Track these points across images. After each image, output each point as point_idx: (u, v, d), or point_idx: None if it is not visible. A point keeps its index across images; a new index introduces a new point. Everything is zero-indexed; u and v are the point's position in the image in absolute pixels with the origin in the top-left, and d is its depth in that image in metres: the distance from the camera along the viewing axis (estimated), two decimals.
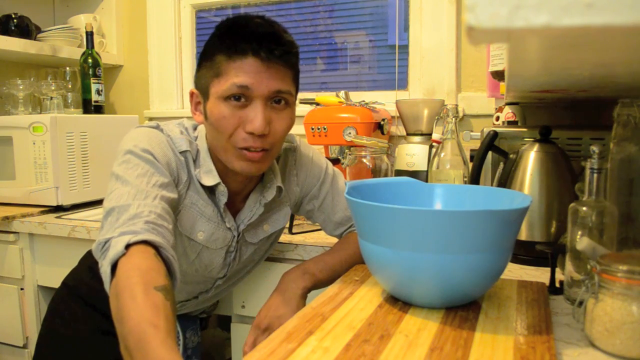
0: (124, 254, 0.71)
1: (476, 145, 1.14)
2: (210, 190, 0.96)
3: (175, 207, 0.89)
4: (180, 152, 0.93)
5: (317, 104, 1.66)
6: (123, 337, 0.64)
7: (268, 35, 0.86)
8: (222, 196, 0.96)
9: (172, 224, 0.82)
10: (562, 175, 1.02)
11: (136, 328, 0.62)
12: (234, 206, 1.01)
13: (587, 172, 0.76)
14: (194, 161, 0.95)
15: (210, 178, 0.94)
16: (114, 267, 0.72)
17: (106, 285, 0.73)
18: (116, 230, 0.75)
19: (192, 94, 0.95)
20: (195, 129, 1.00)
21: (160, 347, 0.60)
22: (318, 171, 1.10)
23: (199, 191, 0.95)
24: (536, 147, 1.04)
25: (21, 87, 1.89)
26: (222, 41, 0.87)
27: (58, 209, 1.65)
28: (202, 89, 0.92)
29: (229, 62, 0.86)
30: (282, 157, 1.07)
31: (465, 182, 1.13)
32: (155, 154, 0.87)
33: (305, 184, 1.09)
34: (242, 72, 0.85)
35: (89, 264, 1.14)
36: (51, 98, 1.91)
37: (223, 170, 0.95)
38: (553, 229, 1.01)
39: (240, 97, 0.86)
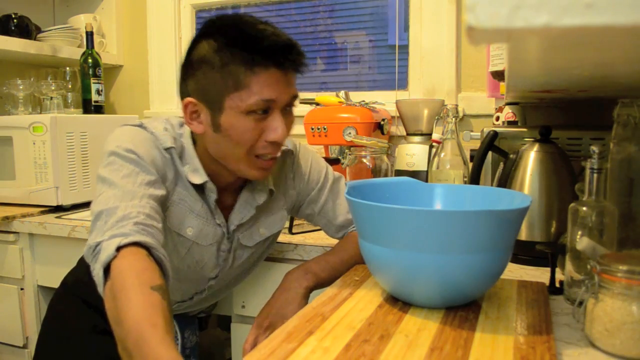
0: (115, 257, 0.71)
1: (476, 145, 1.14)
2: (199, 187, 0.95)
3: (164, 204, 0.89)
4: (165, 149, 0.92)
5: (317, 104, 1.66)
6: (121, 338, 0.64)
7: (288, 46, 0.86)
8: (212, 193, 0.95)
9: (161, 223, 0.81)
10: (562, 175, 1.02)
11: (134, 328, 0.62)
12: (222, 201, 1.00)
13: (587, 172, 0.76)
14: (180, 158, 0.94)
15: (198, 176, 0.93)
16: (106, 270, 0.72)
17: (99, 288, 0.73)
18: (106, 233, 0.75)
19: (187, 104, 0.90)
20: (181, 125, 0.98)
21: (159, 345, 0.60)
22: (317, 176, 1.09)
23: (187, 187, 0.94)
24: (536, 147, 1.04)
25: (21, 87, 1.89)
26: (235, 51, 0.84)
27: (58, 209, 1.64)
28: (208, 100, 0.87)
29: (250, 75, 0.84)
30: (280, 160, 1.06)
31: (465, 182, 1.13)
32: (139, 153, 0.87)
33: (303, 188, 1.09)
34: (266, 86, 0.85)
35: (87, 264, 1.14)
36: (51, 98, 1.91)
37: (210, 167, 0.94)
38: (553, 229, 1.01)
39: (264, 110, 0.86)
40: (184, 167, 0.94)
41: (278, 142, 0.89)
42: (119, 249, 0.72)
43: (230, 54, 0.84)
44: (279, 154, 0.92)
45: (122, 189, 0.81)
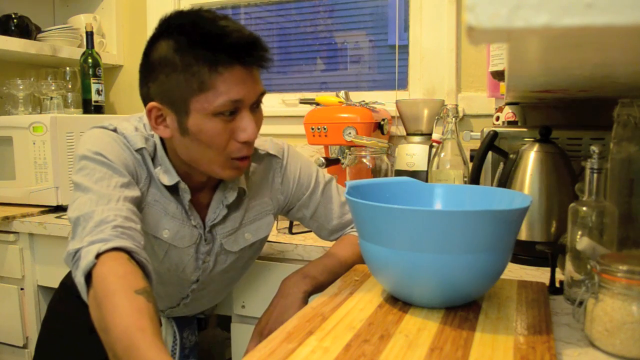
0: (95, 264, 0.70)
1: (476, 145, 1.14)
2: (172, 188, 0.93)
3: (139, 205, 0.88)
4: (136, 150, 0.90)
5: (317, 104, 1.66)
6: (110, 346, 0.64)
7: (252, 42, 0.83)
8: (185, 193, 0.93)
9: (139, 224, 0.80)
10: (562, 175, 1.02)
11: (123, 335, 0.62)
12: (199, 202, 0.98)
13: (587, 172, 0.76)
14: (153, 158, 0.92)
15: (169, 177, 0.92)
16: (88, 276, 0.71)
17: (83, 295, 0.72)
18: (85, 239, 0.74)
19: (151, 109, 0.86)
20: None
21: (149, 350, 0.60)
22: (307, 180, 1.07)
23: (160, 188, 0.93)
24: (536, 147, 1.04)
25: (21, 87, 1.89)
26: (197, 50, 0.80)
27: (58, 209, 1.64)
28: (173, 103, 0.84)
29: (215, 75, 0.81)
30: (265, 164, 1.04)
31: (465, 182, 1.13)
32: (110, 156, 0.85)
33: (293, 193, 1.06)
34: (232, 85, 0.82)
35: None
36: (51, 98, 1.91)
37: (182, 168, 0.93)
38: (553, 229, 1.01)
39: (232, 111, 0.84)
40: (156, 169, 0.92)
41: (250, 142, 0.87)
42: (99, 255, 0.71)
43: (192, 54, 0.81)
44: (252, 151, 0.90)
45: (97, 193, 0.80)
